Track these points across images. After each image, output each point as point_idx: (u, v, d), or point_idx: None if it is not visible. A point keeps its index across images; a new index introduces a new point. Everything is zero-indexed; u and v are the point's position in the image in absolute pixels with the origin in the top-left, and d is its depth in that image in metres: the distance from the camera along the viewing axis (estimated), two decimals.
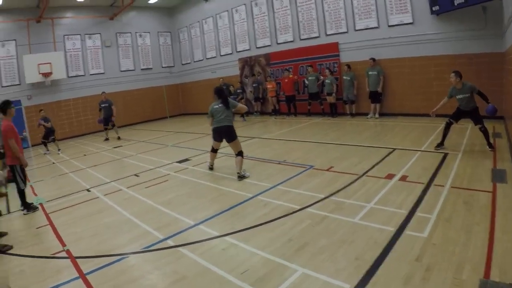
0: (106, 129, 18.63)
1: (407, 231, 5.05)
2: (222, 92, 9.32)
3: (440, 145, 9.42)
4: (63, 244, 6.03)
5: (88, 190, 9.35)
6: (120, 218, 7.09)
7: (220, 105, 9.10)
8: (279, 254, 4.87)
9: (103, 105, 18.13)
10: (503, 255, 4.26)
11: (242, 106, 10.17)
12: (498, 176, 7.01)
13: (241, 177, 8.68)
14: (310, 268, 4.42)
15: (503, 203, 5.75)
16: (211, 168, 9.81)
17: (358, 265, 4.36)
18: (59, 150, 16.49)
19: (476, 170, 7.48)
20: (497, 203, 5.75)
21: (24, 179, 8.21)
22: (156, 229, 6.24)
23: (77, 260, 5.39)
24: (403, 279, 3.97)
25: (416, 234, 4.95)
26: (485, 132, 8.90)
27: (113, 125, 18.52)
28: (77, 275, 4.93)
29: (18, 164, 8.06)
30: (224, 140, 9.30)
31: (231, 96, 19.55)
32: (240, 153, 9.04)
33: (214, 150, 9.75)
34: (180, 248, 5.40)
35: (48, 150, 16.69)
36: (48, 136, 16.54)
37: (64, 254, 5.66)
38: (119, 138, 18.22)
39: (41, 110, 16.34)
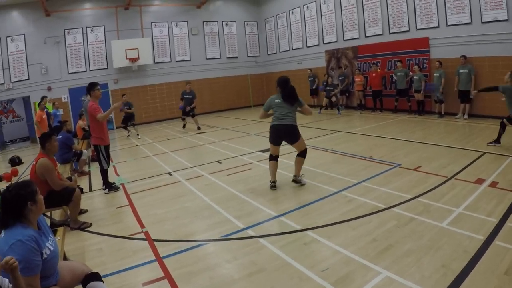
0: (183, 118, 18.54)
1: (497, 241, 4.86)
2: (286, 84, 7.73)
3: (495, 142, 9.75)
4: (142, 226, 6.33)
5: (170, 174, 9.75)
6: (200, 203, 7.32)
7: (281, 100, 7.69)
8: (363, 254, 4.82)
9: (186, 96, 17.90)
10: None
11: (307, 108, 8.13)
12: None
13: (296, 181, 7.84)
14: (394, 272, 4.34)
15: None
16: (273, 187, 7.84)
17: (445, 273, 4.24)
18: (138, 135, 17.08)
19: None
20: None
21: (108, 160, 8.62)
22: (237, 218, 6.39)
23: (155, 242, 5.64)
24: None
25: (506, 245, 4.74)
26: None
27: (193, 115, 18.08)
28: (153, 257, 5.15)
29: (102, 145, 8.46)
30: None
31: (327, 88, 19.70)
32: (302, 153, 7.78)
33: (274, 158, 7.87)
34: (260, 239, 5.48)
35: (129, 132, 17.56)
36: (128, 121, 17.37)
37: (142, 235, 5.94)
38: (199, 128, 17.93)
39: (123, 95, 16.80)
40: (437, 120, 15.15)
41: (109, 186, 8.66)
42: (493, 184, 7.17)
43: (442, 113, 15.67)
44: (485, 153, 9.44)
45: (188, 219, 6.58)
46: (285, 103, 7.64)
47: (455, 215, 5.86)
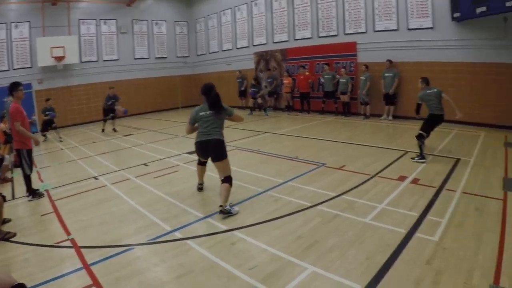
0: (105, 120, 17.91)
1: (418, 234, 5.07)
2: (210, 91, 6.84)
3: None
4: (68, 233, 6.02)
5: (95, 178, 9.34)
6: (127, 207, 7.08)
7: (208, 111, 6.75)
8: (289, 251, 4.87)
9: (109, 103, 17.35)
10: None
11: (238, 116, 7.31)
12: (509, 185, 7.01)
13: (224, 212, 6.25)
14: (320, 267, 4.43)
15: None
16: (200, 189, 7.71)
17: (369, 266, 4.38)
18: (60, 138, 16.21)
19: (488, 178, 7.48)
20: (508, 211, 5.76)
21: (31, 165, 8.12)
22: (164, 220, 6.24)
23: (82, 249, 5.38)
24: (413, 282, 4.00)
25: (427, 237, 4.97)
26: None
27: (113, 117, 17.69)
28: (81, 265, 4.92)
29: (25, 149, 7.96)
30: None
31: (252, 89, 19.77)
32: (227, 179, 6.58)
33: (202, 163, 7.53)
34: (187, 241, 5.40)
35: (46, 137, 16.53)
36: (47, 126, 16.41)
37: (68, 243, 5.65)
38: (114, 130, 17.72)
39: (48, 99, 16.09)
40: (362, 121, 15.52)
41: (33, 193, 8.09)
42: (415, 181, 7.41)
43: (368, 114, 16.07)
44: (407, 152, 9.73)
45: (114, 224, 6.33)
46: (211, 115, 6.71)
47: (378, 211, 6.01)
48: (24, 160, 7.94)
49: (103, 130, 17.71)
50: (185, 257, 4.93)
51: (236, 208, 6.49)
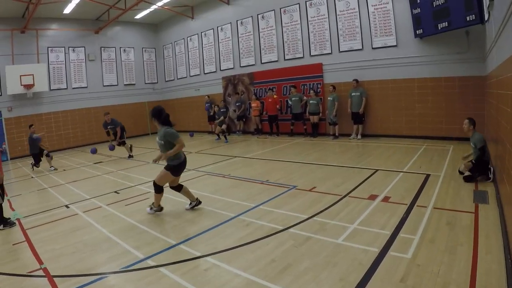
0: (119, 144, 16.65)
1: (391, 252, 5.04)
2: (162, 113, 7.39)
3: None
4: (40, 262, 5.84)
5: (67, 207, 9.12)
6: (99, 236, 6.91)
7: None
8: (262, 275, 4.79)
9: (109, 127, 16.56)
10: (486, 275, 4.28)
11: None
12: (479, 197, 7.08)
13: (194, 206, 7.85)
14: None
15: (485, 223, 5.79)
16: (161, 209, 7.94)
17: (343, 287, 4.32)
18: (52, 167, 15.12)
19: (458, 192, 7.53)
20: (480, 224, 5.78)
21: (2, 194, 7.93)
22: (136, 248, 6.09)
23: (55, 279, 5.22)
24: None
25: (400, 255, 4.94)
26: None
27: (124, 142, 16.67)
28: None
29: None
30: None
31: (215, 116, 19.69)
32: (180, 185, 7.92)
33: (163, 189, 7.76)
34: (160, 268, 5.27)
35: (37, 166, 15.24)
36: (40, 155, 15.07)
37: (41, 272, 5.48)
38: (130, 156, 16.68)
39: (31, 125, 15.11)
40: (331, 142, 15.59)
41: (4, 222, 7.85)
42: (386, 199, 7.40)
43: (337, 134, 16.17)
44: (377, 170, 9.77)
45: (87, 252, 6.16)
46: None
47: (350, 231, 5.95)
48: None
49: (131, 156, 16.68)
50: (159, 285, 4.81)
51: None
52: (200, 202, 7.95)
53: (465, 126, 8.71)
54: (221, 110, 20.22)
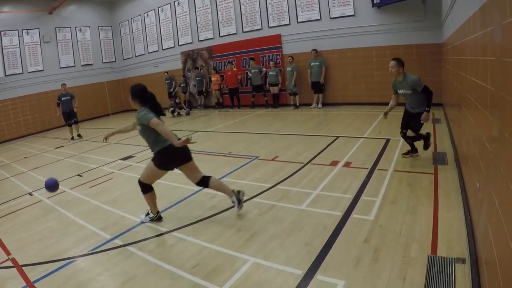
0: (69, 125, 16.76)
1: (354, 215, 5.13)
2: (146, 92, 5.74)
3: (411, 152, 7.61)
4: (8, 253, 5.73)
5: (30, 194, 8.90)
6: (65, 220, 6.82)
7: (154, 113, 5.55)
8: (229, 245, 4.84)
9: (64, 98, 16.51)
10: (448, 232, 4.41)
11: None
12: (438, 158, 7.26)
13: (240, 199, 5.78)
14: (261, 257, 4.42)
15: (445, 183, 5.95)
16: (160, 217, 6.10)
17: (309, 251, 4.39)
18: None
19: (418, 155, 7.66)
20: (439, 184, 5.94)
21: None
22: (103, 229, 6.05)
23: (24, 268, 5.15)
24: (353, 262, 4.03)
25: (363, 217, 5.04)
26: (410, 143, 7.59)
27: (76, 121, 16.71)
28: (24, 284, 4.70)
29: None
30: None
31: (174, 102, 19.52)
32: (207, 177, 6.02)
33: (151, 187, 5.96)
34: (128, 247, 5.26)
35: None
36: None
37: (9, 263, 5.39)
38: (79, 135, 16.83)
39: None
40: (293, 112, 15.70)
41: None
42: (347, 165, 7.53)
43: (297, 104, 16.26)
44: (338, 137, 9.90)
45: (54, 238, 6.06)
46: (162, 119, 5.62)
47: (313, 197, 6.04)
48: None
49: (72, 138, 16.72)
50: (128, 263, 4.80)
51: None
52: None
53: (393, 69, 7.20)
54: (167, 81, 20.73)
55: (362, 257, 4.09)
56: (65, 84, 17.17)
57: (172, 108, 19.60)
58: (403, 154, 7.65)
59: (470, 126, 4.76)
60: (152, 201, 6.03)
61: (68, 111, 16.61)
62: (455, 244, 4.13)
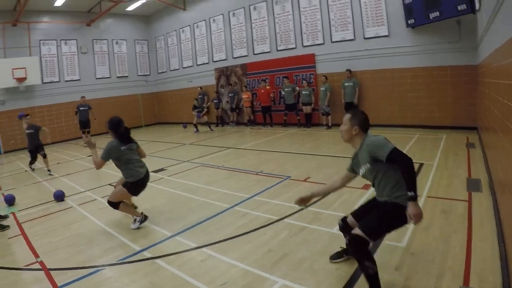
0: (84, 132, 18.77)
1: (386, 241, 5.05)
2: (120, 125, 6.76)
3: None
4: (36, 255, 5.84)
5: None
6: (95, 228, 6.92)
7: (126, 145, 6.70)
8: (259, 265, 4.81)
9: (81, 108, 18.48)
10: (481, 262, 4.31)
11: (142, 150, 7.21)
12: (473, 185, 7.12)
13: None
14: (290, 280, 4.37)
15: (479, 211, 5.83)
16: (146, 217, 6.77)
17: (339, 275, 4.36)
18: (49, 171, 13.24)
19: (452, 180, 7.57)
20: (473, 212, 5.83)
21: None
22: (132, 240, 6.10)
23: (51, 272, 5.22)
24: None
25: (394, 243, 4.97)
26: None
27: (89, 131, 18.73)
28: (51, 287, 4.78)
29: None
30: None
31: (196, 110, 19.69)
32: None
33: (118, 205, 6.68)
34: (157, 260, 5.28)
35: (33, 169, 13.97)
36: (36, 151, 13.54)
37: (37, 265, 5.48)
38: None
39: (27, 115, 14.28)
40: (325, 132, 15.66)
41: None
42: None
43: (330, 124, 16.25)
44: None
45: (83, 245, 6.16)
46: (130, 148, 6.75)
47: None
48: None
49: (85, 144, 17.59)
50: (156, 276, 4.83)
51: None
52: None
53: (343, 128, 4.45)
54: (199, 96, 21.02)
55: (393, 285, 4.05)
56: (84, 97, 19.12)
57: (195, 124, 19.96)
58: (331, 257, 4.80)
59: (507, 152, 4.70)
60: (128, 208, 6.79)
61: (84, 120, 18.82)
62: (488, 275, 4.05)
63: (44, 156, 12.81)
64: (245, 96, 19.64)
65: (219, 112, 21.59)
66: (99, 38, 24.81)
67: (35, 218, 7.86)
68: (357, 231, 3.87)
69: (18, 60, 20.31)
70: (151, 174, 8.11)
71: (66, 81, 23.18)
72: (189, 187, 8.98)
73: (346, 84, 15.35)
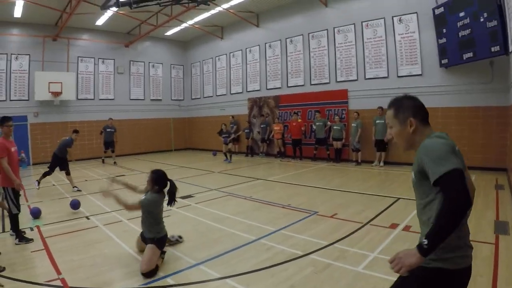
0: (105, 152, 20.08)
1: None
2: (165, 179, 6.62)
3: None
4: (59, 272, 5.87)
5: (87, 218, 9.20)
6: (119, 250, 6.96)
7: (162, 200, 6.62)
8: None
9: (108, 130, 19.57)
10: None
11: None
12: (500, 228, 7.06)
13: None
14: None
15: (505, 255, 5.77)
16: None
17: None
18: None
19: (479, 222, 7.48)
20: (500, 255, 5.76)
21: (17, 203, 7.59)
22: None
23: None
24: None
25: None
26: None
27: (113, 151, 19.86)
28: None
29: (10, 187, 7.44)
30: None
31: (223, 135, 19.74)
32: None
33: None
34: None
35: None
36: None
37: (59, 282, 5.50)
38: (115, 163, 19.24)
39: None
40: (354, 168, 15.62)
41: (19, 236, 7.51)
42: (407, 228, 7.38)
43: (359, 161, 16.22)
44: (399, 198, 9.74)
45: (106, 266, 6.18)
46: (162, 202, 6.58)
47: (371, 259, 5.92)
48: (10, 199, 7.45)
49: (103, 161, 19.70)
50: None
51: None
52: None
53: (395, 131, 2.98)
54: (231, 125, 20.91)
55: None
56: (111, 118, 20.08)
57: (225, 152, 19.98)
58: None
59: None
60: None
61: (109, 141, 19.77)
62: None
63: (68, 174, 13.06)
64: (277, 127, 19.77)
65: (249, 142, 21.78)
66: (136, 60, 25.46)
67: (60, 234, 7.91)
68: None
69: (55, 75, 20.94)
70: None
71: (100, 99, 23.76)
72: (216, 216, 8.99)
73: (377, 121, 15.34)
